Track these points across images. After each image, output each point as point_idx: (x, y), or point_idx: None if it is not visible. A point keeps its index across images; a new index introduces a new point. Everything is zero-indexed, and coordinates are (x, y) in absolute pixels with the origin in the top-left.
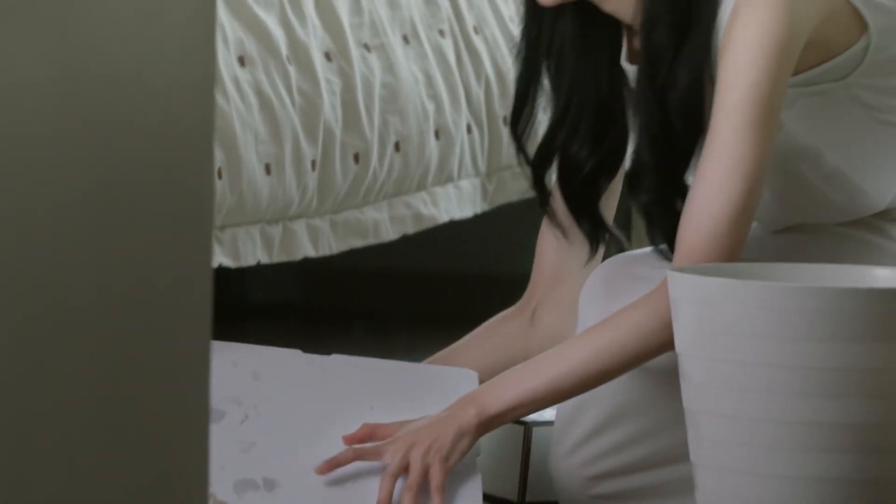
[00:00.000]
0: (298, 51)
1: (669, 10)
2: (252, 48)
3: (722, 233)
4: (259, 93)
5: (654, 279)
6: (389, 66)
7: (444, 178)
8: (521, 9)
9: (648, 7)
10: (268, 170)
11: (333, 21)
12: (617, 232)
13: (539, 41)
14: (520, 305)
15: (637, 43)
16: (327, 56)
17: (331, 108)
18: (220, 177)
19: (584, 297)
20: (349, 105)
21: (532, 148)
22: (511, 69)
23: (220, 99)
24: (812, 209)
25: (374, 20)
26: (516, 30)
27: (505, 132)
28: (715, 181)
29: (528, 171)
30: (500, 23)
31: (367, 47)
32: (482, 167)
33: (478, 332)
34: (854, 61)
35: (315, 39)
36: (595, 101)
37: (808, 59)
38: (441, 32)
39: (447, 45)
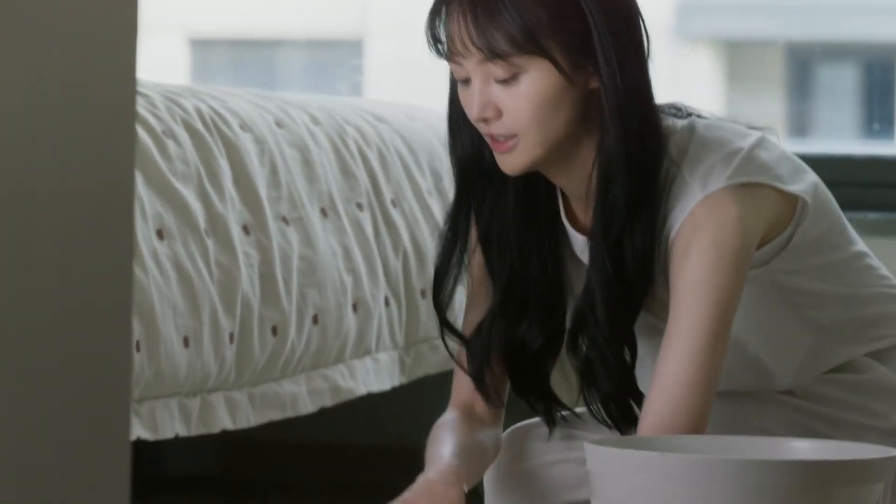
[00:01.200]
0: (216, 224)
1: (625, 167)
2: (170, 221)
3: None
4: (177, 266)
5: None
6: (307, 239)
7: (363, 350)
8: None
9: (605, 165)
10: (186, 343)
11: (251, 194)
12: (570, 408)
13: (479, 218)
14: (465, 415)
15: (576, 205)
16: (245, 229)
17: (249, 281)
18: (138, 350)
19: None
20: (267, 278)
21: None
22: (428, 241)
23: (138, 272)
24: (722, 386)
25: (292, 193)
26: (434, 203)
27: (423, 305)
28: (676, 394)
29: (454, 345)
30: (418, 196)
31: (285, 220)
32: (400, 340)
33: (459, 446)
34: (779, 246)
35: (233, 213)
36: (542, 274)
37: None
38: (359, 205)
39: (365, 219)
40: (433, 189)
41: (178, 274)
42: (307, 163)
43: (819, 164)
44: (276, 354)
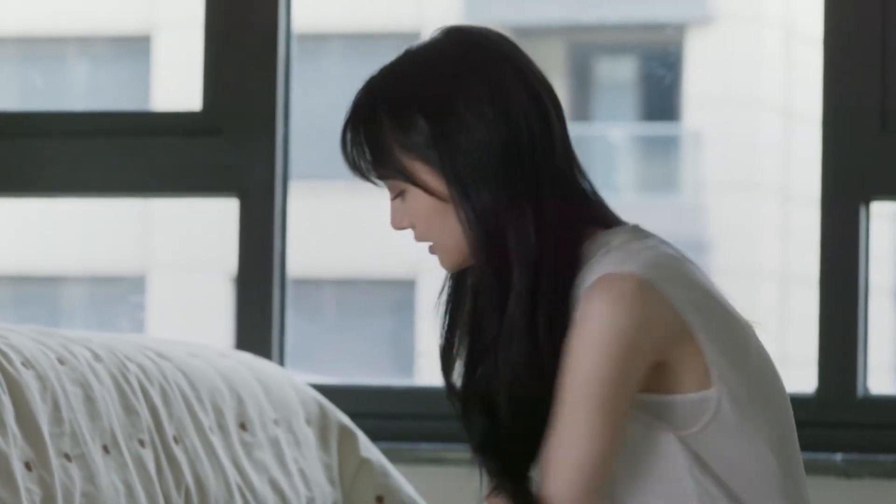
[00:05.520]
0: None
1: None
2: None
3: None
4: None
5: None
6: (90, 476)
7: None
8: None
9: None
10: None
11: (33, 431)
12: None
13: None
14: None
15: None
16: (27, 466)
17: None
18: None
19: None
20: None
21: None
22: (210, 477)
23: None
24: None
25: (75, 430)
26: (216, 439)
27: None
28: (549, 468)
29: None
30: (200, 433)
31: (67, 457)
32: None
33: None
34: (700, 410)
35: (15, 449)
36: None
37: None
38: (141, 442)
39: (147, 455)
40: (215, 426)
41: None
42: (89, 399)
43: None
44: None
